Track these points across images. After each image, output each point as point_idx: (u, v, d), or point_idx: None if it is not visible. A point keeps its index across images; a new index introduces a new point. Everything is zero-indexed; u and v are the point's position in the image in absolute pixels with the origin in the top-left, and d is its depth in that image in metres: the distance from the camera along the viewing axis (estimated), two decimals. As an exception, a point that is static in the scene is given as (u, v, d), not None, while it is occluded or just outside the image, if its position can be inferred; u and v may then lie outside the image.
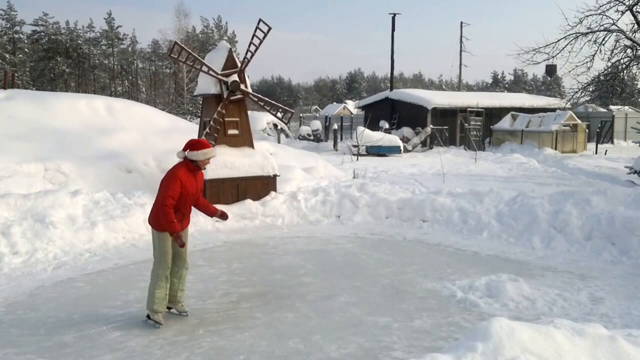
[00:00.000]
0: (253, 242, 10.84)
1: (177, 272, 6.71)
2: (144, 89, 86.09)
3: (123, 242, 10.39)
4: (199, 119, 15.02)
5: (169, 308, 6.76)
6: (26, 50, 75.39)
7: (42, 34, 77.85)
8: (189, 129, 18.40)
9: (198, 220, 11.79)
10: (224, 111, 13.14)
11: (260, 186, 13.26)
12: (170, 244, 6.47)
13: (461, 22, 54.02)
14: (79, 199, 11.07)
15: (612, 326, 6.10)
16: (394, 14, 42.93)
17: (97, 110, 17.82)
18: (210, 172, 12.54)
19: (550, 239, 10.15)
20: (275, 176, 13.55)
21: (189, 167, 6.50)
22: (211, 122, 12.97)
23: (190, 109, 55.61)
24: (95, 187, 12.58)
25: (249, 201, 12.77)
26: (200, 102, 14.81)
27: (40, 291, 7.71)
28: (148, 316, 6.52)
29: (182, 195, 6.35)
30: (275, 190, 13.49)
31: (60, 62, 75.11)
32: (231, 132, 13.44)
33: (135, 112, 18.83)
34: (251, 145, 13.79)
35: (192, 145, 6.55)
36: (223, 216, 7.00)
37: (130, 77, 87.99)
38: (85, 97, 19.30)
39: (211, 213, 6.91)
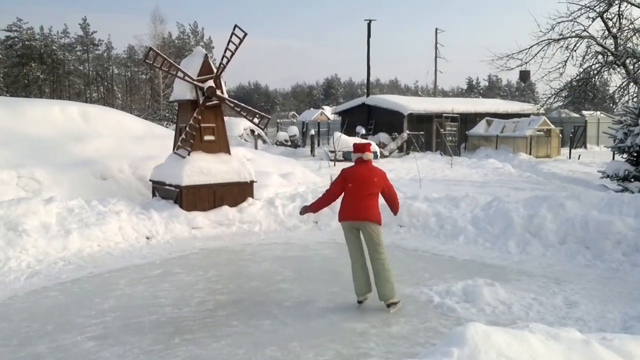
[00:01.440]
0: (230, 248, 10.79)
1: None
2: (119, 95, 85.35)
3: (98, 250, 10.27)
4: (175, 125, 14.94)
5: (359, 302, 7.37)
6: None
7: (16, 39, 76.73)
8: (165, 135, 18.31)
9: (174, 228, 11.73)
10: (199, 117, 13.07)
11: (237, 192, 13.21)
12: None
13: (436, 29, 54.41)
14: (52, 207, 10.93)
15: (588, 330, 6.15)
16: (370, 21, 43.14)
17: (71, 117, 17.67)
18: (186, 178, 12.48)
19: (525, 244, 10.23)
20: (252, 182, 13.51)
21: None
22: (187, 128, 12.90)
23: (167, 115, 55.29)
24: (69, 194, 12.44)
25: (225, 207, 12.70)
26: (176, 108, 14.74)
27: (13, 301, 7.59)
28: (390, 305, 7.09)
29: None
30: (252, 196, 13.45)
31: (34, 68, 74.12)
32: (207, 138, 13.37)
33: (110, 119, 18.71)
34: (228, 151, 13.73)
35: (366, 147, 7.43)
36: None
37: (106, 83, 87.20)
38: (59, 103, 19.16)
39: None
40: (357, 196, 7.20)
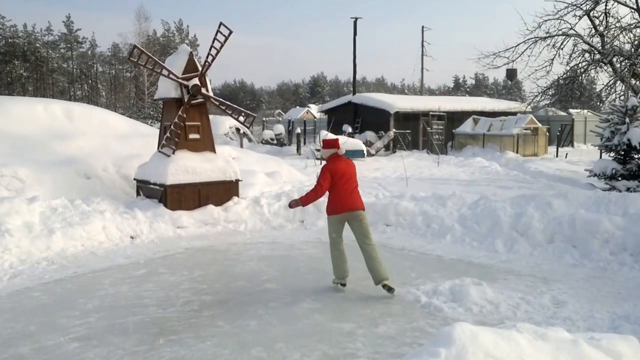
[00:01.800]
0: (215, 248, 10.71)
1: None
2: (104, 93, 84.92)
3: (82, 250, 10.15)
4: (160, 123, 14.84)
5: (343, 285, 8.05)
6: (-18, 53, 73.85)
7: (-1, 37, 76.34)
8: (150, 134, 18.18)
9: (159, 227, 11.63)
10: (184, 115, 12.98)
11: (222, 191, 13.12)
12: None
13: (422, 27, 54.57)
14: (36, 206, 10.81)
15: (576, 329, 6.13)
16: (356, 18, 43.11)
17: (55, 115, 17.50)
18: (171, 177, 12.38)
19: (512, 243, 10.22)
20: (237, 181, 13.43)
21: None
22: (172, 127, 12.80)
23: (152, 113, 55.08)
24: (52, 193, 12.31)
25: (210, 207, 12.62)
26: (161, 106, 14.64)
27: (-5, 302, 7.49)
28: (391, 289, 7.68)
29: None
30: (237, 195, 13.37)
31: (17, 66, 73.62)
32: (192, 136, 13.28)
33: (94, 117, 18.55)
34: (213, 150, 13.64)
35: (337, 142, 8.06)
36: None
37: (90, 81, 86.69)
38: (42, 102, 18.96)
39: None
40: (347, 189, 7.79)
